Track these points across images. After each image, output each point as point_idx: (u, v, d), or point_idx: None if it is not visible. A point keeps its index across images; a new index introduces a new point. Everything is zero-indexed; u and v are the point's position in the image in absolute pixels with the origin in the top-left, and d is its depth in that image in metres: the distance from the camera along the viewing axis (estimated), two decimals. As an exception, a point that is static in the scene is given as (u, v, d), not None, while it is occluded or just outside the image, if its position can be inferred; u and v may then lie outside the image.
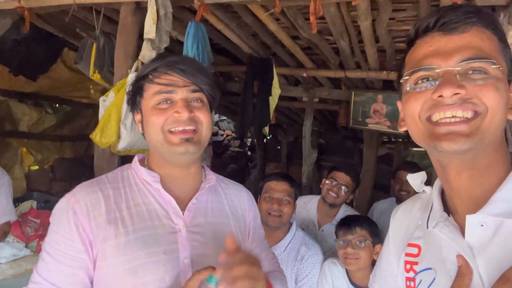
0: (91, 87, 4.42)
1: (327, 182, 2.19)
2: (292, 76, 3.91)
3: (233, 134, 7.29)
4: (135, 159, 0.94)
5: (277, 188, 1.75)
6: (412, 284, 0.75)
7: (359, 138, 5.82)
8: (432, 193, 0.77)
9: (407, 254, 0.78)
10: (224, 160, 6.73)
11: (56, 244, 0.81)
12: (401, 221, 0.85)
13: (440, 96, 0.61)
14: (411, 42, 0.71)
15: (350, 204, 2.87)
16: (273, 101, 2.94)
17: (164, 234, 0.84)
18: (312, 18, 1.69)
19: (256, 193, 1.75)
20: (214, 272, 0.75)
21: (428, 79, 0.64)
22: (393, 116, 3.47)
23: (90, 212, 0.82)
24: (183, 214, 0.88)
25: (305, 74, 3.34)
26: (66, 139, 4.37)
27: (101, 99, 2.23)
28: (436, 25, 0.65)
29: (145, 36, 1.63)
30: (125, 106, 2.09)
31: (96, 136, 2.10)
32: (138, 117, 0.92)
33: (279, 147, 6.75)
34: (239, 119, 2.78)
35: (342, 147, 6.34)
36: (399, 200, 2.55)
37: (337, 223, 1.76)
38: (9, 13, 2.91)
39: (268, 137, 7.21)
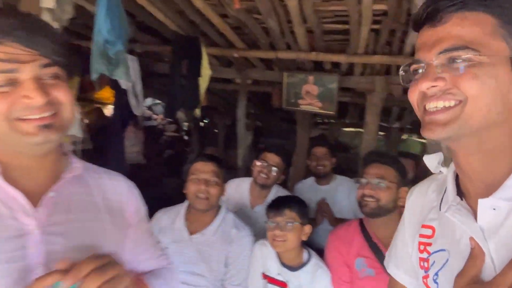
0: None
1: (257, 163, 2.18)
2: (224, 57, 3.81)
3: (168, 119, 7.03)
4: None
5: (204, 169, 1.69)
6: (425, 264, 0.77)
7: (295, 120, 5.92)
8: (447, 175, 0.77)
9: (421, 235, 0.80)
10: (159, 146, 6.47)
11: None
12: (416, 202, 0.86)
13: None
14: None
15: (283, 184, 2.90)
16: (204, 82, 2.83)
17: (6, 238, 0.67)
18: (234, -7, 1.61)
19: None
20: (63, 277, 0.60)
21: (419, 71, 0.67)
22: (324, 97, 3.55)
23: None
24: (37, 211, 0.71)
25: (236, 55, 3.26)
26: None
27: None
28: (425, 17, 0.66)
29: (42, 4, 1.43)
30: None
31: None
32: None
33: (216, 131, 6.66)
34: (167, 101, 2.65)
35: (279, 129, 6.42)
36: (317, 176, 2.66)
37: (267, 205, 1.75)
38: None
39: (205, 121, 7.08)
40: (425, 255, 0.78)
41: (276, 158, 2.18)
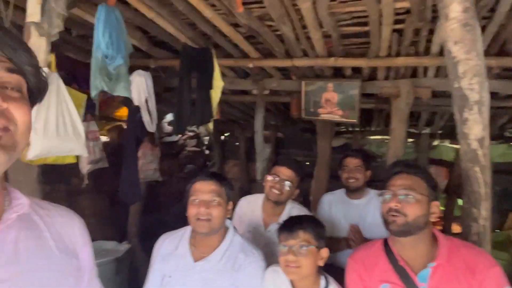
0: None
1: (269, 178, 2.02)
2: (240, 68, 3.71)
3: (189, 134, 7.02)
4: None
5: (204, 188, 1.53)
6: None
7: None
8: None
9: None
10: (180, 161, 6.43)
11: None
12: None
13: None
14: None
15: (304, 198, 2.71)
16: (216, 94, 2.72)
17: None
18: (236, -5, 1.48)
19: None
20: None
21: None
22: (345, 105, 3.35)
23: None
24: None
25: (251, 65, 3.14)
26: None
27: (5, 101, 1.92)
28: None
29: (28, 19, 1.36)
30: (35, 107, 1.81)
31: (-1, 145, 1.79)
32: None
33: (237, 144, 6.55)
34: (175, 115, 2.54)
35: (300, 140, 6.23)
36: (349, 189, 2.44)
37: (279, 226, 1.58)
38: None
39: (226, 134, 6.99)
40: None
41: (288, 172, 2.01)
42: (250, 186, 6.08)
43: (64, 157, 2.01)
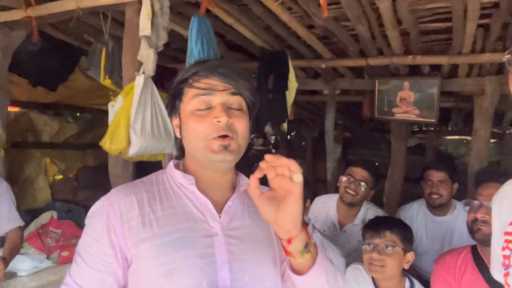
0: (111, 93, 4.42)
1: (343, 179, 2.02)
2: (311, 68, 3.74)
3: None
4: (170, 164, 0.93)
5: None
6: (507, 262, 0.77)
7: (386, 129, 5.56)
8: None
9: (506, 233, 0.79)
10: (248, 159, 6.58)
11: (87, 247, 0.81)
12: (507, 197, 0.84)
13: None
14: None
15: (377, 200, 2.66)
16: (290, 95, 2.78)
17: (200, 237, 0.82)
18: (322, 0, 1.54)
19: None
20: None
21: None
22: (423, 104, 3.23)
23: (123, 215, 0.81)
24: (219, 217, 0.86)
25: (323, 65, 3.16)
26: (89, 147, 4.39)
27: (109, 104, 2.16)
28: None
29: (141, 33, 1.53)
30: (134, 110, 2.02)
31: (106, 143, 2.03)
32: (176, 121, 0.91)
33: (303, 143, 6.57)
34: (254, 116, 2.66)
35: (369, 140, 6.08)
36: (431, 205, 2.22)
37: (365, 224, 1.60)
38: (23, 24, 2.92)
39: (292, 134, 7.04)
40: (507, 252, 0.77)
41: (363, 173, 2.00)
42: (317, 186, 6.08)
43: (156, 155, 2.21)
